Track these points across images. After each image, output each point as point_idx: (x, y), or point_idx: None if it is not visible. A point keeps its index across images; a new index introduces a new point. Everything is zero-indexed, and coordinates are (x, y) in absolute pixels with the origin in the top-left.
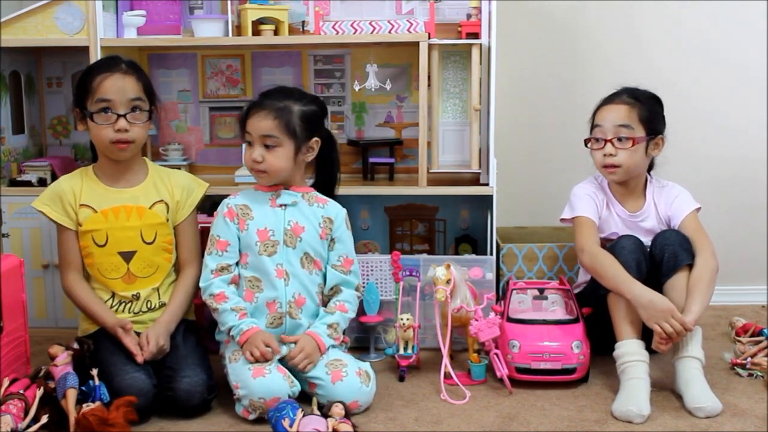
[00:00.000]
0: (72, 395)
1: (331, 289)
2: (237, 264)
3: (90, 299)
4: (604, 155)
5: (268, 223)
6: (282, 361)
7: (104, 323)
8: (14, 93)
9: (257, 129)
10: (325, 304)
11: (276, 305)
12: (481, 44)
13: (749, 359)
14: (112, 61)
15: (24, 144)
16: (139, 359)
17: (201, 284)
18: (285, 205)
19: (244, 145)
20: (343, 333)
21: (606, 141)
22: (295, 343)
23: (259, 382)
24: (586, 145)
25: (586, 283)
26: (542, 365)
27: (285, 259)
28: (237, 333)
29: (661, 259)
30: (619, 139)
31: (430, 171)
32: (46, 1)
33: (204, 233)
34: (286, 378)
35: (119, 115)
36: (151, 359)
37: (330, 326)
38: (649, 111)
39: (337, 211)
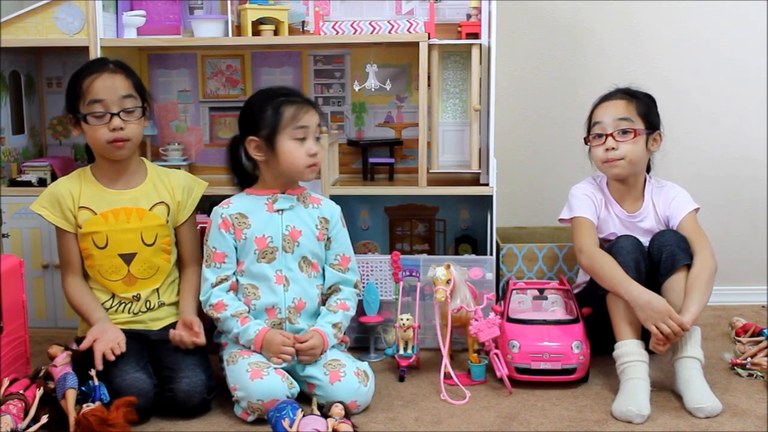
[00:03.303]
0: (71, 395)
1: (330, 288)
2: (234, 273)
3: (82, 300)
4: (606, 149)
5: (266, 229)
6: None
7: (89, 323)
8: (14, 93)
9: (313, 122)
10: (323, 302)
11: (275, 311)
12: (481, 44)
13: (749, 359)
14: (99, 62)
15: (24, 144)
16: (99, 366)
17: (201, 298)
18: (282, 210)
19: (291, 143)
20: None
21: (607, 136)
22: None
23: (257, 383)
24: (586, 143)
25: (586, 283)
26: (542, 365)
27: (284, 264)
28: (247, 341)
29: (659, 259)
30: (622, 132)
31: (430, 171)
32: (46, 1)
33: (203, 233)
34: (284, 379)
35: (113, 114)
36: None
37: (334, 325)
38: (646, 106)
39: (332, 211)
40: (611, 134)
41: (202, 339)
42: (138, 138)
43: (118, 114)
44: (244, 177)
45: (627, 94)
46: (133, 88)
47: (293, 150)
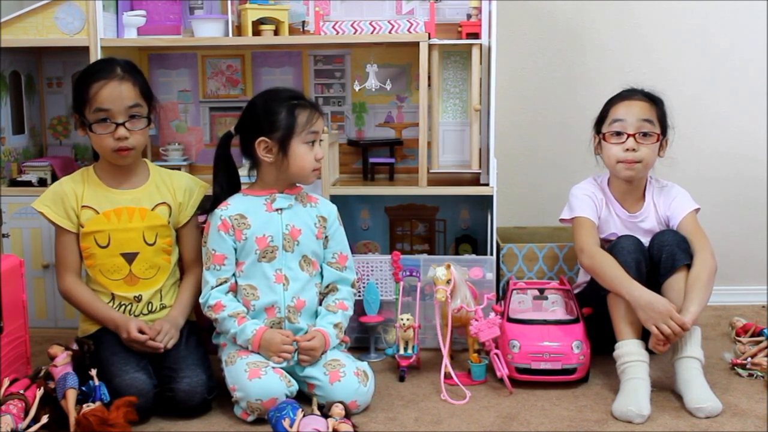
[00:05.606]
0: (72, 395)
1: (327, 286)
2: (234, 274)
3: (94, 300)
4: (626, 150)
5: (267, 229)
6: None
7: (111, 321)
8: (14, 93)
9: (321, 128)
10: (320, 300)
11: (275, 310)
12: (481, 44)
13: (749, 359)
14: (108, 66)
15: (24, 144)
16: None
17: (200, 300)
18: (281, 209)
19: (303, 147)
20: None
21: (629, 135)
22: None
23: (255, 383)
24: (603, 139)
25: (586, 283)
26: (542, 365)
27: (284, 263)
28: (244, 341)
29: (659, 259)
30: (643, 134)
31: (430, 171)
32: (46, 1)
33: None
34: (282, 378)
35: (118, 124)
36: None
37: (335, 326)
38: (662, 112)
39: (329, 210)
40: (633, 135)
41: (157, 345)
42: (142, 145)
43: (123, 124)
44: (230, 177)
45: (647, 96)
46: (140, 95)
47: (304, 154)
